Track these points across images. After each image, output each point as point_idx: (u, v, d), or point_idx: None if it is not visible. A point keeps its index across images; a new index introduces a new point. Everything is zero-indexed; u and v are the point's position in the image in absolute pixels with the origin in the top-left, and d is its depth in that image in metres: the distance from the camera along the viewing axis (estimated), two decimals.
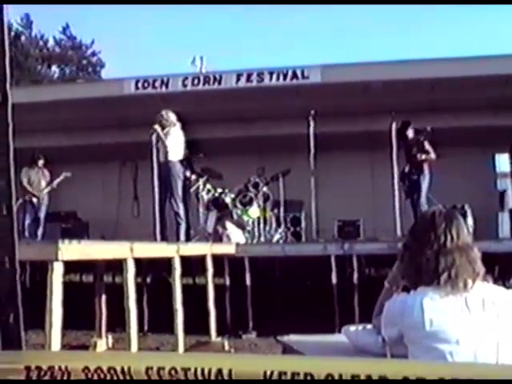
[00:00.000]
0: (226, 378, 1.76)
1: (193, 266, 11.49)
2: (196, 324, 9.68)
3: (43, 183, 14.63)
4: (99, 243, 8.37)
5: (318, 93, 14.03)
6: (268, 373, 1.74)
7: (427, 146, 12.11)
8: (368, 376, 1.69)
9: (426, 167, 12.17)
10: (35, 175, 14.61)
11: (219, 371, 1.76)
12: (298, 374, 1.72)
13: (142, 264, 11.00)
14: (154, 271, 12.48)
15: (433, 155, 12.15)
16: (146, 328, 11.03)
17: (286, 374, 1.73)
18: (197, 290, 11.17)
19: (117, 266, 8.00)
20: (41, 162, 14.70)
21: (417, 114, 13.03)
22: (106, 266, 10.42)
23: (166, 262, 9.06)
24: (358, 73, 14.32)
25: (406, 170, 12.33)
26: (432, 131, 12.06)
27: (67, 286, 6.43)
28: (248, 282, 11.38)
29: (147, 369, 1.82)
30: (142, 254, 8.06)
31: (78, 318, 10.39)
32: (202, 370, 1.78)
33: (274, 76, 14.67)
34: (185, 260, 9.24)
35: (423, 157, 12.08)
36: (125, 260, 7.27)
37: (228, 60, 49.30)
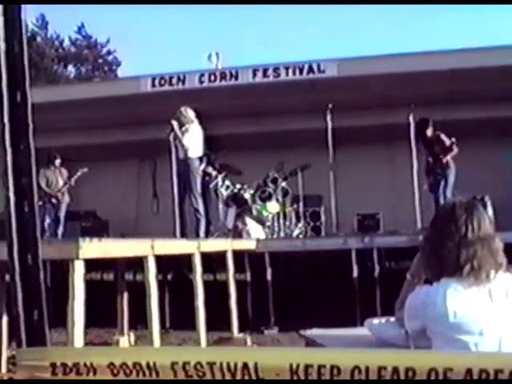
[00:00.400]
0: (252, 371, 1.75)
1: (213, 262, 11.48)
2: (218, 320, 9.67)
3: (61, 182, 14.64)
4: (120, 241, 8.37)
5: (335, 87, 14.00)
6: (294, 366, 1.73)
7: (447, 141, 12.02)
8: (395, 368, 1.68)
9: (450, 162, 12.07)
10: (53, 175, 14.61)
11: (245, 365, 1.76)
12: (324, 367, 1.71)
13: (162, 261, 11.01)
14: (174, 268, 12.48)
15: (455, 149, 12.04)
16: (167, 325, 11.03)
17: (312, 366, 1.72)
18: (218, 286, 11.16)
19: (138, 263, 7.99)
20: (57, 162, 14.68)
21: (436, 106, 12.98)
22: (127, 264, 10.42)
23: (187, 259, 9.06)
24: (374, 66, 14.28)
25: (430, 162, 12.28)
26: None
27: (88, 285, 6.46)
28: (269, 277, 11.36)
29: (172, 364, 1.81)
30: (162, 251, 8.05)
31: (100, 316, 10.43)
32: (228, 364, 1.77)
33: (290, 71, 14.66)
34: (205, 256, 9.24)
35: (448, 157, 12.03)
36: (145, 257, 7.26)
37: (243, 56, 49.21)
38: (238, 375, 1.78)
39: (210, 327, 9.00)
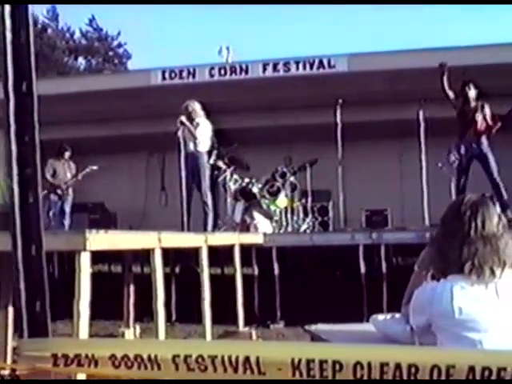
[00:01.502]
0: (253, 365, 1.75)
1: (221, 255, 11.49)
2: (224, 314, 9.69)
3: (68, 175, 14.63)
4: (127, 233, 8.34)
5: (345, 82, 13.99)
6: (296, 360, 1.72)
7: (488, 109, 11.32)
8: (397, 364, 1.67)
9: (485, 138, 11.25)
10: (61, 167, 14.60)
11: (247, 359, 1.75)
12: (326, 362, 1.71)
13: (169, 254, 11.03)
14: (182, 261, 12.50)
15: (499, 123, 11.24)
16: (173, 318, 11.06)
17: (313, 361, 1.72)
18: (225, 279, 11.17)
19: (145, 256, 8.00)
20: (67, 154, 14.66)
21: (446, 102, 12.93)
22: (134, 256, 10.44)
23: (194, 252, 9.06)
24: (384, 61, 14.26)
25: (462, 144, 11.33)
26: None
27: (96, 277, 6.48)
28: (276, 271, 11.37)
29: (174, 357, 1.81)
30: (169, 244, 8.05)
31: (107, 307, 10.46)
32: (230, 358, 1.77)
33: (301, 65, 14.65)
34: (213, 250, 9.24)
35: (496, 119, 11.17)
36: (152, 250, 7.26)
37: (254, 50, 49.19)
38: (240, 369, 1.78)
39: (215, 321, 9.01)
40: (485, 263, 3.04)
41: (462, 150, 11.25)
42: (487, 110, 11.28)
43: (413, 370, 1.68)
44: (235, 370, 1.78)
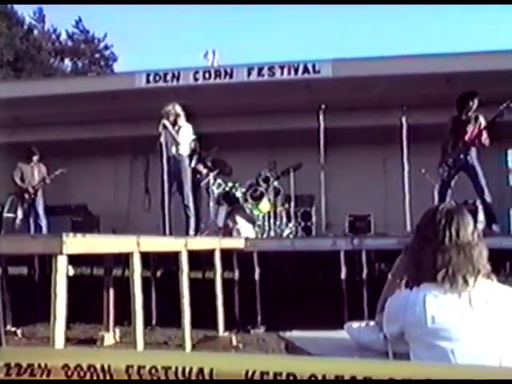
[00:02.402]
0: (207, 377, 1.73)
1: (202, 260, 11.48)
2: (204, 318, 9.67)
3: (37, 178, 14.57)
4: (105, 237, 8.35)
5: (329, 87, 13.99)
6: (250, 372, 1.70)
7: (483, 121, 11.19)
8: (352, 377, 1.65)
9: (474, 150, 11.21)
10: (29, 170, 14.53)
11: (200, 370, 1.73)
12: (281, 374, 1.69)
13: (150, 258, 11.01)
14: (162, 265, 12.48)
15: (487, 141, 11.11)
16: (154, 322, 11.03)
17: (268, 373, 1.70)
18: (205, 284, 11.16)
19: (125, 259, 7.99)
20: (35, 158, 14.59)
21: (430, 109, 12.97)
22: (115, 260, 10.42)
23: (174, 256, 9.05)
24: (369, 67, 14.27)
25: (448, 147, 11.33)
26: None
27: (77, 279, 6.47)
28: (257, 276, 11.34)
29: (127, 367, 1.78)
30: (148, 248, 8.04)
31: (88, 311, 10.44)
32: (184, 369, 1.74)
33: (285, 70, 14.64)
34: (193, 254, 9.22)
35: (486, 142, 11.04)
36: (131, 254, 7.24)
37: (240, 54, 49.26)
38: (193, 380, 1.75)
39: (196, 325, 9.01)
40: (458, 272, 3.04)
41: (450, 162, 11.27)
42: (482, 121, 11.20)
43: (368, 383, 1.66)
44: (188, 382, 1.75)
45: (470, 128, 11.16)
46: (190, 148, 11.59)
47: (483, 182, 11.05)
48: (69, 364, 1.83)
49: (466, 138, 11.14)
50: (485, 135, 11.04)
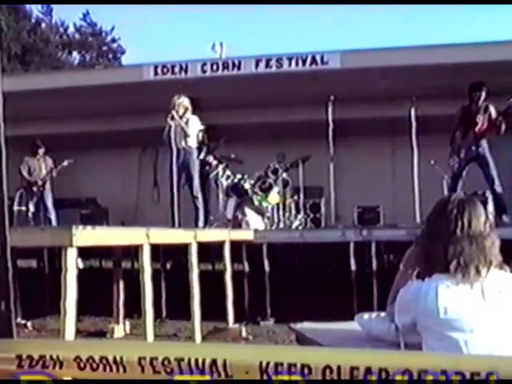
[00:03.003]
0: (220, 368, 1.72)
1: (211, 252, 11.48)
2: (214, 310, 9.68)
3: (44, 171, 14.61)
4: (114, 229, 8.35)
5: (338, 78, 13.95)
6: (264, 363, 1.69)
7: (494, 110, 11.21)
8: (367, 368, 1.64)
9: (485, 141, 11.24)
10: (36, 164, 14.59)
11: (213, 361, 1.72)
12: (295, 365, 1.67)
13: (160, 250, 11.02)
14: (172, 257, 12.48)
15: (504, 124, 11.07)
16: (164, 314, 11.04)
17: (282, 365, 1.68)
18: (215, 276, 11.16)
19: (134, 251, 8.00)
20: (41, 151, 14.65)
21: (438, 100, 12.92)
22: (124, 252, 10.43)
23: (184, 248, 9.04)
24: (377, 58, 14.22)
25: (459, 142, 11.33)
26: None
27: (87, 272, 6.48)
28: (266, 268, 11.34)
29: (140, 359, 1.78)
30: (158, 240, 8.04)
31: (97, 303, 10.45)
32: (196, 360, 1.73)
33: (293, 61, 14.60)
34: (203, 246, 9.22)
35: (501, 119, 11.00)
36: (141, 246, 7.24)
37: (248, 46, 49.14)
38: (207, 372, 1.74)
39: (205, 317, 9.01)
40: (470, 262, 3.02)
41: (462, 154, 11.23)
42: (492, 111, 11.18)
43: (383, 374, 1.65)
44: (201, 373, 1.74)
45: (480, 119, 11.14)
46: (198, 140, 11.60)
47: (494, 172, 11.06)
48: (81, 356, 1.82)
49: (477, 128, 11.12)
50: (503, 125, 10.99)
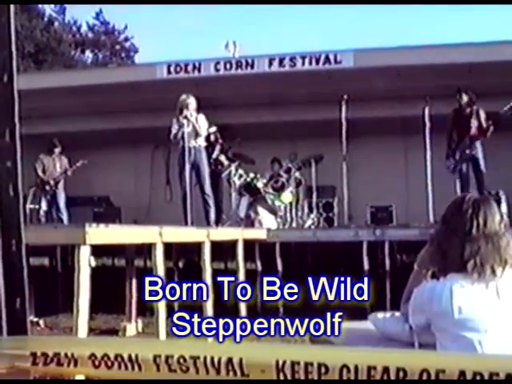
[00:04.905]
0: (236, 367, 1.70)
1: (224, 250, 11.46)
2: (227, 309, 9.65)
3: (58, 170, 14.65)
4: (128, 227, 8.32)
5: (351, 77, 13.94)
6: (280, 362, 1.68)
7: (483, 114, 11.85)
8: (385, 368, 1.62)
9: (479, 143, 11.86)
10: (51, 163, 14.64)
11: (229, 360, 1.71)
12: (312, 365, 1.66)
13: (172, 248, 11.01)
14: (185, 256, 12.47)
15: (492, 127, 11.67)
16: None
17: (298, 363, 1.67)
18: (228, 274, 11.14)
19: (147, 250, 7.99)
20: (57, 150, 14.73)
21: (452, 99, 12.87)
22: (137, 251, 10.42)
23: (197, 247, 9.03)
24: (391, 57, 14.20)
25: (454, 140, 12.10)
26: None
27: (99, 270, 6.48)
28: (279, 267, 11.32)
29: (155, 357, 1.77)
30: (171, 239, 8.03)
31: (110, 301, 10.45)
32: (212, 359, 1.72)
33: (307, 60, 14.60)
34: (216, 245, 9.21)
35: (489, 123, 11.61)
36: (154, 245, 7.23)
37: (261, 45, 49.18)
38: (222, 370, 1.73)
39: (218, 315, 8.98)
40: (486, 262, 3.01)
41: (457, 156, 11.92)
42: (482, 115, 11.79)
43: (401, 374, 1.63)
44: (218, 372, 1.73)
45: (473, 123, 11.78)
46: (207, 139, 11.68)
47: (483, 174, 11.80)
48: (95, 353, 1.81)
49: (471, 132, 11.74)
50: (490, 128, 11.62)
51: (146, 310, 9.30)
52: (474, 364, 1.68)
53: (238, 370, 1.72)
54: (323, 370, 1.67)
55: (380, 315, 3.72)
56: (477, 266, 3.00)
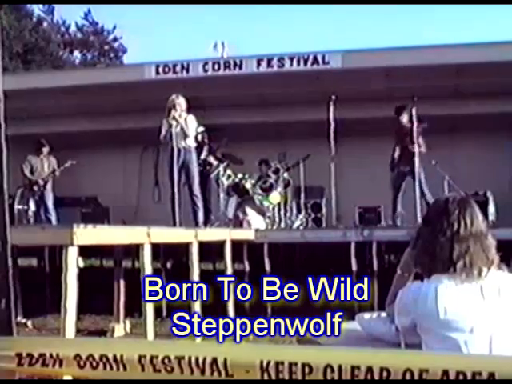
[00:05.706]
0: (221, 367, 1.71)
1: (212, 251, 11.46)
2: (215, 309, 9.65)
3: (46, 171, 14.59)
4: (115, 228, 8.30)
5: (339, 78, 13.97)
6: (264, 362, 1.68)
7: (419, 138, 12.18)
8: (368, 367, 1.63)
9: (417, 160, 12.10)
10: (39, 163, 14.56)
11: (214, 360, 1.71)
12: (296, 365, 1.67)
13: (160, 249, 11.00)
14: (173, 256, 12.46)
15: (423, 149, 12.26)
16: (164, 314, 11.02)
17: (282, 364, 1.68)
18: (216, 275, 11.13)
19: (135, 250, 7.98)
20: (45, 150, 14.63)
21: (439, 100, 12.92)
22: (125, 251, 10.41)
23: (185, 248, 9.03)
24: (379, 58, 14.23)
25: (396, 157, 12.79)
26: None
27: (88, 271, 6.48)
28: (267, 267, 11.32)
29: (140, 357, 1.77)
30: (159, 240, 8.02)
31: (98, 302, 10.44)
32: (197, 359, 1.72)
33: (295, 61, 14.61)
34: (203, 245, 9.20)
35: (415, 149, 12.03)
36: (142, 245, 7.22)
37: (249, 45, 49.23)
38: (207, 371, 1.73)
39: (206, 316, 8.98)
40: (475, 262, 3.03)
41: (401, 169, 12.81)
42: (414, 132, 12.14)
43: (384, 373, 1.64)
44: (202, 372, 1.73)
45: (407, 141, 12.33)
46: (195, 139, 11.65)
47: (425, 189, 12.20)
48: (81, 354, 1.81)
49: (412, 148, 12.18)
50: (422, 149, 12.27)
51: (135, 310, 9.29)
52: (456, 364, 1.69)
53: (223, 370, 1.72)
54: (307, 369, 1.68)
55: (366, 316, 3.72)
56: (466, 266, 3.02)
